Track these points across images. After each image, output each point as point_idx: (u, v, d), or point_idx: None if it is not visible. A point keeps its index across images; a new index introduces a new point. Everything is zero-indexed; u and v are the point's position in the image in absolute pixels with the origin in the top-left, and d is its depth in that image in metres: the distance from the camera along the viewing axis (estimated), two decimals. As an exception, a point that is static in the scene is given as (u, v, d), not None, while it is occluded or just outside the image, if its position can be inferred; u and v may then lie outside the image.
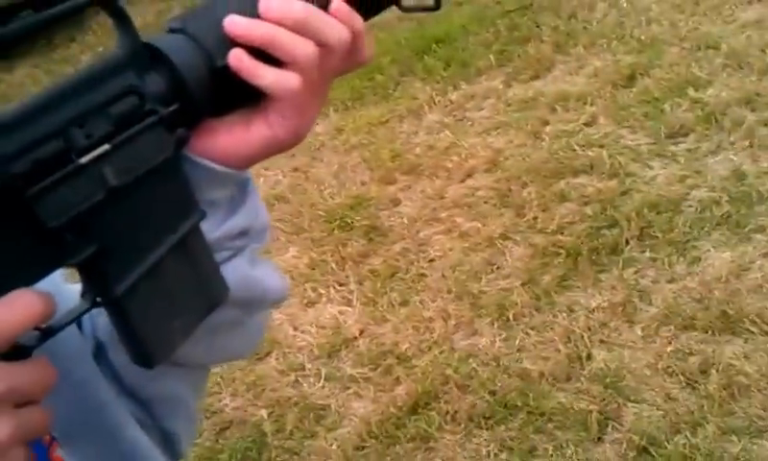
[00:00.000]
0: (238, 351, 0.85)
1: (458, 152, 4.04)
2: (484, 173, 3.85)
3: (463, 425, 2.66)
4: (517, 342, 2.90)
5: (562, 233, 3.30)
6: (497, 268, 3.26)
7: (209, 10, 0.67)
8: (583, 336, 2.82)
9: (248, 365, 3.13)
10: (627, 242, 3.14)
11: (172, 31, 0.66)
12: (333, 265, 3.57)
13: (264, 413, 2.92)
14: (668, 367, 2.61)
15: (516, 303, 3.05)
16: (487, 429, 2.62)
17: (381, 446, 2.68)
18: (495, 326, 3.00)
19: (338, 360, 3.08)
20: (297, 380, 3.02)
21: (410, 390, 2.83)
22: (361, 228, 3.73)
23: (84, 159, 0.57)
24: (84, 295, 0.62)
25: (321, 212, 3.92)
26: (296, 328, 3.30)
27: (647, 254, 3.07)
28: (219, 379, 3.06)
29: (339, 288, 3.43)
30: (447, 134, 4.20)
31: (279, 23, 0.66)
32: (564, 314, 2.94)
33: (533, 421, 2.59)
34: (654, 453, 2.38)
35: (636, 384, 2.60)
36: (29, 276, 0.56)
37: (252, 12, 0.67)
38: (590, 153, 3.68)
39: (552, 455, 2.47)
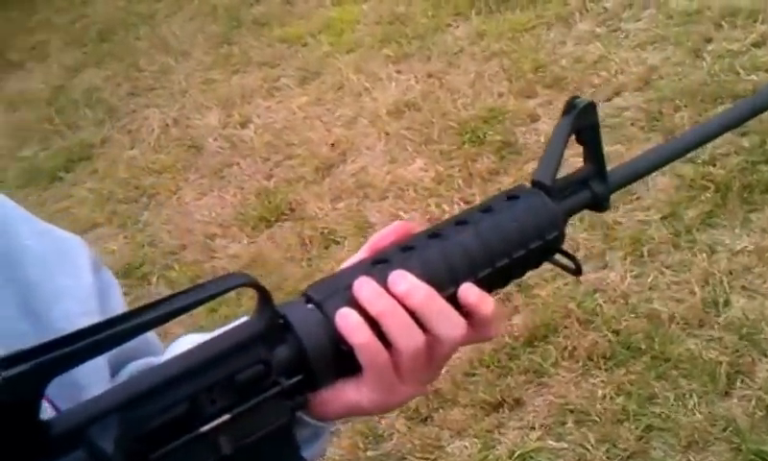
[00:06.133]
0: None
1: (607, 66, 3.95)
2: (634, 92, 3.76)
3: (580, 364, 2.67)
4: (650, 280, 2.87)
5: (713, 165, 3.20)
6: (637, 198, 3.21)
7: (347, 288, 0.71)
8: (722, 280, 2.76)
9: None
10: (785, 181, 3.02)
11: (308, 300, 0.71)
12: (460, 181, 3.59)
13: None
14: (813, 322, 2.54)
15: (653, 238, 3.01)
16: (605, 370, 2.62)
17: (492, 375, 2.73)
18: (628, 260, 2.97)
19: (456, 282, 3.13)
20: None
21: (528, 320, 2.85)
22: (494, 143, 3.73)
23: (204, 428, 0.63)
24: None
25: (452, 124, 3.93)
26: (416, 245, 3.36)
27: (806, 195, 2.96)
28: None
29: (465, 207, 3.46)
30: (598, 46, 4.10)
31: (400, 301, 0.69)
32: (705, 254, 2.87)
33: (656, 366, 2.57)
34: (786, 415, 2.33)
35: (775, 338, 2.54)
36: None
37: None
38: (755, 77, 3.52)
39: (672, 404, 2.46)
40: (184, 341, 0.86)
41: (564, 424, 2.55)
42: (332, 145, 4.12)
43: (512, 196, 0.81)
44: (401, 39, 4.72)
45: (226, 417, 0.64)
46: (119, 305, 0.90)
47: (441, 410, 2.68)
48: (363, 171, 3.88)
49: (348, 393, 0.72)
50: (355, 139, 4.10)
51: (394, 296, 0.70)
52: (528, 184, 0.83)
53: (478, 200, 3.41)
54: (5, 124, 5.42)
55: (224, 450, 0.64)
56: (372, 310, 0.69)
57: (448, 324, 0.71)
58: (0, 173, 4.82)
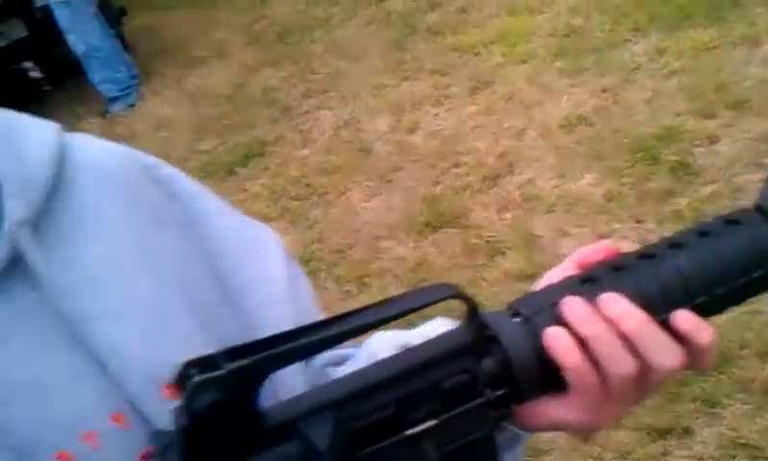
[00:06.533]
0: None
1: (795, 90, 3.78)
2: (822, 118, 3.59)
3: (755, 397, 2.56)
4: (834, 315, 2.72)
5: None
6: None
7: (554, 304, 0.69)
8: None
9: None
10: None
11: (515, 314, 0.69)
12: (632, 199, 3.51)
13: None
14: None
15: (840, 272, 2.85)
16: (782, 406, 2.51)
17: (661, 400, 2.64)
18: (810, 293, 2.82)
19: (624, 302, 3.05)
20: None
21: (700, 347, 2.75)
22: (669, 163, 3.63)
23: (410, 432, 0.63)
24: None
25: (626, 140, 3.84)
26: (584, 261, 3.30)
27: None
28: (497, 301, 3.15)
29: (635, 226, 3.38)
30: (785, 69, 3.93)
31: (611, 325, 0.67)
32: None
33: (838, 406, 2.45)
34: None
35: None
36: None
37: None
38: None
39: None
40: (380, 338, 0.86)
41: (734, 457, 2.45)
42: (500, 155, 4.10)
43: (731, 220, 0.75)
44: (576, 53, 4.65)
45: (431, 422, 0.64)
46: (308, 296, 0.92)
47: (605, 430, 2.62)
48: (530, 183, 3.84)
49: (554, 409, 0.70)
50: (524, 151, 4.07)
51: (605, 319, 0.67)
52: (750, 208, 0.78)
53: (651, 221, 3.33)
54: (187, 118, 5.66)
55: (430, 456, 0.64)
56: (582, 332, 0.67)
57: (664, 352, 0.67)
58: (181, 164, 5.00)
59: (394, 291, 3.37)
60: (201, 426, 0.57)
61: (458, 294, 0.65)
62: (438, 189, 4.06)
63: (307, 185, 4.43)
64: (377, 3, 6.27)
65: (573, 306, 0.67)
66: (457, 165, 4.18)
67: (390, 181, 4.27)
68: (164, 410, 0.67)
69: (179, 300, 0.77)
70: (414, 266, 3.60)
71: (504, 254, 3.52)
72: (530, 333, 0.68)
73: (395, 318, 0.62)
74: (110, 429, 0.70)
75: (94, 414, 0.70)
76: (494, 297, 3.20)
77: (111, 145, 0.84)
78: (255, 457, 0.60)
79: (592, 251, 0.74)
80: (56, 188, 0.74)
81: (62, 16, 5.82)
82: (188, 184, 0.86)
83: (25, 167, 0.73)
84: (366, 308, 0.62)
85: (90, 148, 0.81)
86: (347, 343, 0.94)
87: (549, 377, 0.68)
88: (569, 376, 0.67)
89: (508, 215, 3.73)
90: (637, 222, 3.39)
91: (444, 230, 3.77)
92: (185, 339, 0.75)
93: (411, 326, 0.84)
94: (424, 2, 5.98)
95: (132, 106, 6.15)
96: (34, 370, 0.69)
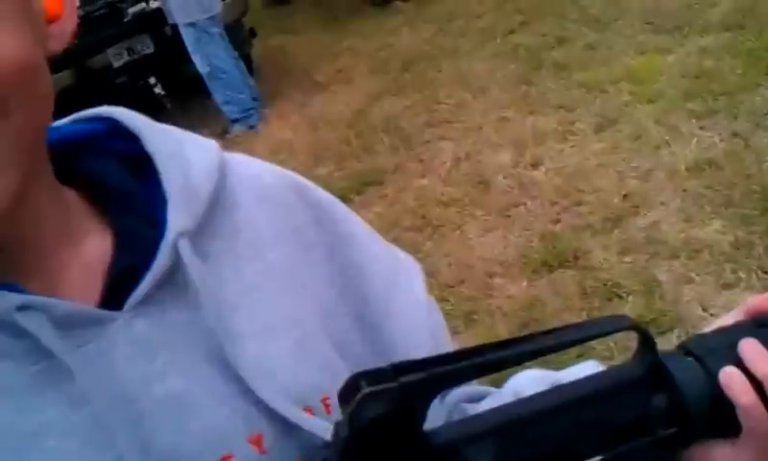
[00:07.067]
0: None
1: None
2: None
3: None
4: None
5: None
6: None
7: (729, 346, 0.69)
8: None
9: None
10: None
11: (687, 353, 0.69)
12: (761, 249, 3.38)
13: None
14: None
15: None
16: None
17: None
18: None
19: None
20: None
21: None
22: (802, 214, 3.49)
23: None
24: None
25: (756, 187, 3.71)
26: (705, 309, 3.20)
27: None
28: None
29: (762, 276, 3.25)
30: None
31: None
32: None
33: None
34: None
35: None
36: None
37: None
38: None
39: None
40: (527, 376, 0.86)
41: None
42: (624, 196, 4.01)
43: None
44: (706, 95, 4.53)
45: (598, 458, 0.63)
46: (447, 338, 0.91)
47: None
48: (655, 227, 3.74)
49: (722, 453, 0.69)
50: (649, 193, 3.98)
51: None
52: None
53: (780, 272, 3.20)
54: (306, 142, 5.75)
55: None
56: (758, 372, 0.67)
57: None
58: (297, 188, 5.12)
59: (502, 330, 3.32)
60: (363, 440, 0.56)
61: (635, 326, 0.65)
62: (557, 227, 4.00)
63: (423, 217, 4.42)
64: (504, 36, 6.27)
65: (749, 347, 0.68)
66: (579, 204, 4.11)
67: (508, 216, 4.23)
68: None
69: (317, 323, 0.78)
70: (525, 305, 3.54)
71: (622, 298, 3.43)
72: (704, 372, 0.67)
73: (570, 345, 0.62)
74: (248, 452, 0.69)
75: (232, 435, 0.69)
76: (607, 342, 3.12)
77: (267, 164, 0.85)
78: None
79: (765, 298, 0.73)
80: (216, 203, 0.75)
81: (189, 37, 6.00)
82: (340, 209, 0.87)
83: (189, 181, 0.74)
84: (538, 334, 0.62)
85: (249, 165, 0.82)
86: (484, 379, 0.94)
87: (721, 419, 0.67)
88: (744, 418, 0.66)
89: (629, 258, 3.63)
90: (765, 273, 3.25)
91: (560, 270, 3.70)
92: (325, 363, 0.76)
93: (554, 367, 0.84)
94: (552, 38, 5.95)
95: (252, 127, 6.28)
96: (176, 385, 0.69)
